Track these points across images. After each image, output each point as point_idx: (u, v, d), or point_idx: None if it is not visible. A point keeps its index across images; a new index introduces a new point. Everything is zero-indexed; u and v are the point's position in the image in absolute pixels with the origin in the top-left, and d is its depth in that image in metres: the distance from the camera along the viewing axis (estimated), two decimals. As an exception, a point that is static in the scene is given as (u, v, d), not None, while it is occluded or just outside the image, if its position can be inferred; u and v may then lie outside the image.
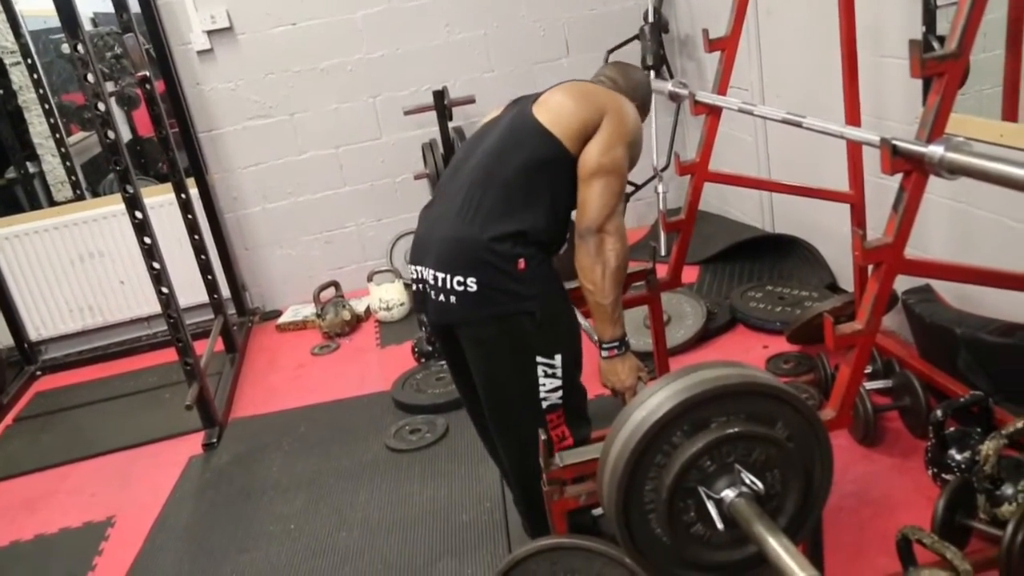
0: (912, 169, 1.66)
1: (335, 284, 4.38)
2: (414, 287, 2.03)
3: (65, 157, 4.53)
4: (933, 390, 2.49)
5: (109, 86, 4.53)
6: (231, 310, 4.42)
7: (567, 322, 1.99)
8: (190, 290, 4.07)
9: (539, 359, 1.90)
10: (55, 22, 3.12)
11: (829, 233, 3.47)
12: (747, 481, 1.34)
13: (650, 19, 4.18)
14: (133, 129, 4.93)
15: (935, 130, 1.63)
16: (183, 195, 3.98)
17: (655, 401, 1.34)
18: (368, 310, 4.33)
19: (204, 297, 4.19)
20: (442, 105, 4.01)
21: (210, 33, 4.13)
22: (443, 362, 3.18)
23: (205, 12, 4.09)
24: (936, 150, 1.59)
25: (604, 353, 1.97)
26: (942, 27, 2.42)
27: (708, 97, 2.59)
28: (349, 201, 4.51)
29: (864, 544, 2.12)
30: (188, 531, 2.80)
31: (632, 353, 2.00)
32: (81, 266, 4.35)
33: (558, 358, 1.92)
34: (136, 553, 2.71)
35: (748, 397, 1.35)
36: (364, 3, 4.20)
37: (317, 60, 4.25)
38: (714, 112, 2.60)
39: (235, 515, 2.82)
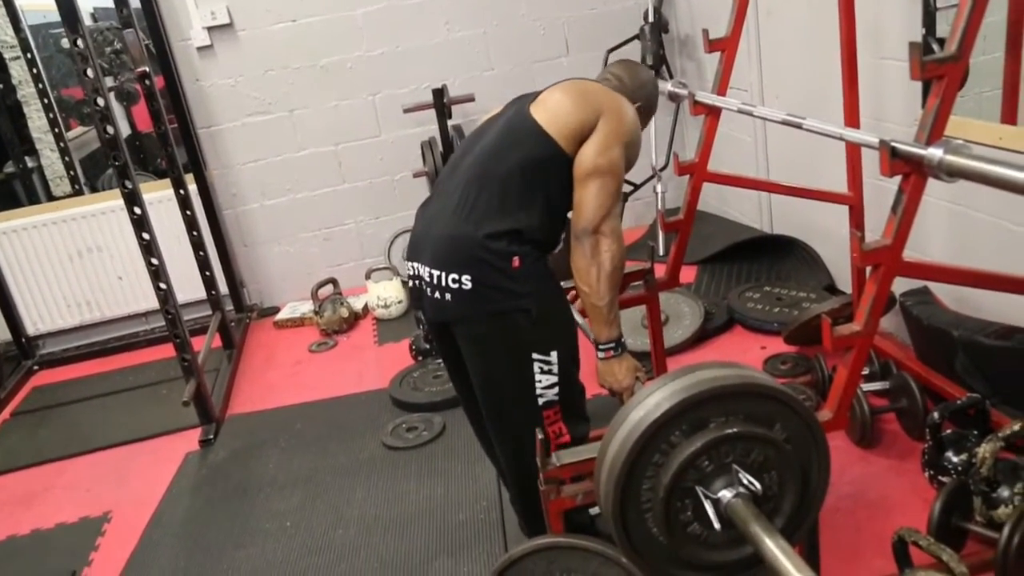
0: (911, 171, 1.66)
1: (333, 281, 4.38)
2: (411, 283, 2.03)
3: (64, 152, 4.53)
4: (930, 392, 2.50)
5: (108, 81, 4.53)
6: (229, 306, 4.43)
7: (563, 319, 1.99)
8: (188, 286, 4.08)
9: (535, 356, 1.90)
10: (55, 17, 3.13)
11: (827, 234, 3.47)
12: (745, 481, 1.34)
13: (650, 19, 4.19)
14: (132, 124, 4.93)
15: (934, 132, 1.63)
16: (182, 191, 3.98)
17: (654, 400, 1.35)
18: (366, 307, 4.33)
19: (202, 293, 4.19)
20: (441, 103, 4.01)
21: (210, 29, 4.12)
22: (440, 360, 3.18)
23: (205, 8, 4.08)
24: (935, 152, 1.59)
25: (600, 355, 1.97)
26: (942, 29, 2.43)
27: (708, 97, 2.59)
28: (348, 198, 4.51)
29: (860, 546, 2.12)
30: (184, 527, 2.80)
31: (629, 353, 2.00)
32: (79, 261, 4.35)
33: (554, 354, 1.92)
34: (132, 549, 2.71)
35: (747, 398, 1.36)
36: (364, 1, 4.19)
37: (317, 57, 4.25)
38: (713, 112, 2.60)
39: (231, 512, 2.82)
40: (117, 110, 4.56)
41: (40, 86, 4.42)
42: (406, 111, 4.15)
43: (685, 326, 3.38)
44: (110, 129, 2.98)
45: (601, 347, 1.96)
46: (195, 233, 4.08)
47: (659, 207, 4.18)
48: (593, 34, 4.38)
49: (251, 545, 2.62)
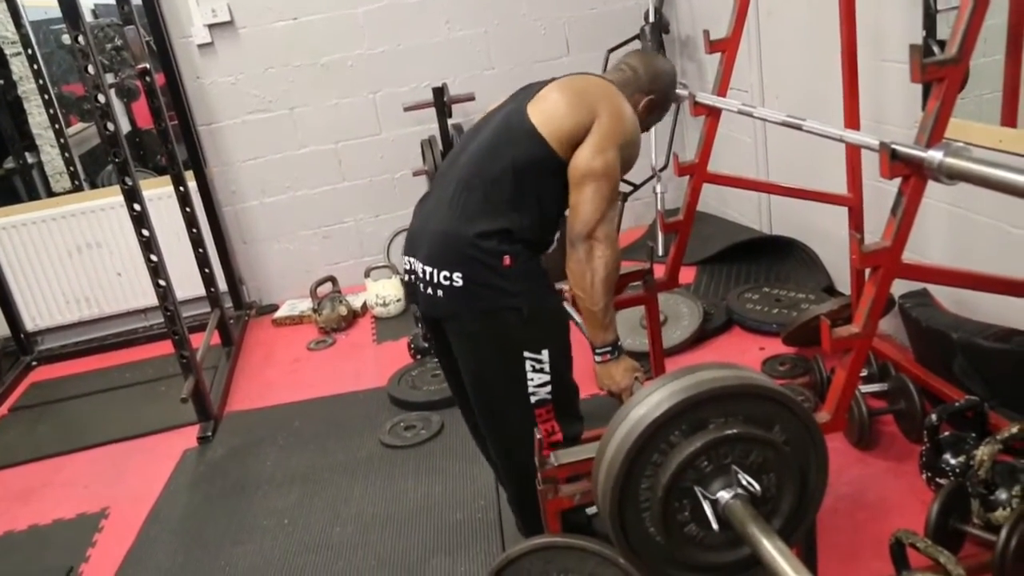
0: (911, 174, 1.66)
1: (332, 279, 4.38)
2: (406, 277, 2.04)
3: (64, 148, 4.52)
4: (929, 394, 2.50)
5: (109, 78, 4.53)
6: (228, 304, 4.43)
7: (555, 318, 1.99)
8: (187, 283, 4.07)
9: (526, 354, 1.91)
10: (56, 12, 3.12)
11: (827, 236, 3.47)
12: (744, 483, 1.34)
13: (651, 19, 4.19)
14: (132, 121, 4.92)
15: (934, 135, 1.63)
16: (181, 188, 3.97)
17: (654, 399, 1.34)
18: (365, 306, 4.33)
19: (201, 290, 4.19)
20: (442, 102, 4.01)
21: (211, 27, 4.13)
22: (438, 360, 3.18)
23: (206, 6, 4.08)
24: (935, 155, 1.59)
25: (597, 358, 1.97)
26: (942, 31, 2.43)
27: (708, 98, 2.59)
28: (347, 197, 4.51)
29: (858, 547, 2.12)
30: (182, 524, 2.79)
31: (627, 354, 2.00)
32: (79, 257, 4.34)
33: (545, 353, 1.92)
34: (130, 545, 2.71)
35: (747, 399, 1.36)
36: (365, -1, 4.20)
37: (317, 55, 4.25)
38: (714, 113, 2.60)
39: (229, 509, 2.82)
40: (117, 106, 4.54)
41: (41, 82, 4.42)
42: (406, 109, 4.15)
43: (684, 327, 3.38)
44: (110, 125, 2.98)
45: (598, 351, 1.96)
46: (194, 230, 4.07)
47: (659, 207, 4.19)
48: (594, 34, 4.38)
49: (249, 542, 2.62)
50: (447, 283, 1.88)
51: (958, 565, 1.66)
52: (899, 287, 2.56)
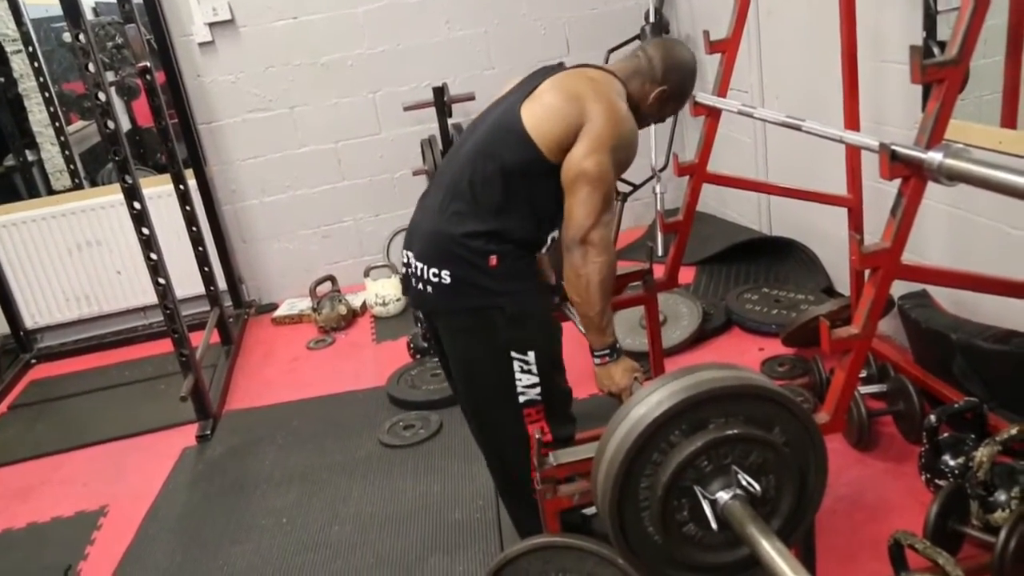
0: (911, 175, 1.66)
1: (331, 278, 4.38)
2: (403, 271, 2.05)
3: (64, 146, 4.52)
4: (928, 395, 2.50)
5: (109, 76, 4.53)
6: (227, 302, 4.43)
7: (541, 321, 1.98)
8: (187, 281, 4.07)
9: (513, 354, 1.91)
10: (57, 10, 3.11)
11: (826, 237, 3.47)
12: (743, 483, 1.34)
13: (651, 19, 4.19)
14: (133, 119, 4.92)
15: (934, 136, 1.63)
16: (181, 186, 3.97)
17: (655, 399, 1.34)
18: (364, 305, 4.33)
19: (201, 289, 4.19)
20: (442, 102, 4.01)
21: (211, 25, 4.13)
22: (438, 358, 3.19)
23: (207, 4, 4.08)
24: (935, 156, 1.59)
25: (596, 360, 1.97)
26: (943, 32, 2.43)
27: (708, 99, 2.59)
28: (347, 196, 4.51)
29: (856, 548, 2.12)
30: (180, 522, 2.80)
31: (626, 355, 2.00)
32: (78, 255, 4.34)
33: (532, 355, 1.92)
34: (128, 543, 2.71)
35: (748, 400, 1.36)
36: (366, -2, 4.20)
37: (318, 54, 4.25)
38: (713, 114, 2.60)
39: (228, 507, 2.82)
40: (118, 105, 4.53)
41: (41, 80, 4.42)
42: (406, 109, 4.15)
43: (683, 327, 3.38)
44: (111, 124, 2.98)
45: (596, 354, 1.96)
46: (194, 229, 4.07)
47: (658, 208, 4.19)
48: (594, 34, 4.38)
49: (247, 541, 2.62)
50: (436, 280, 1.90)
51: (957, 566, 1.66)
52: (898, 288, 2.56)
